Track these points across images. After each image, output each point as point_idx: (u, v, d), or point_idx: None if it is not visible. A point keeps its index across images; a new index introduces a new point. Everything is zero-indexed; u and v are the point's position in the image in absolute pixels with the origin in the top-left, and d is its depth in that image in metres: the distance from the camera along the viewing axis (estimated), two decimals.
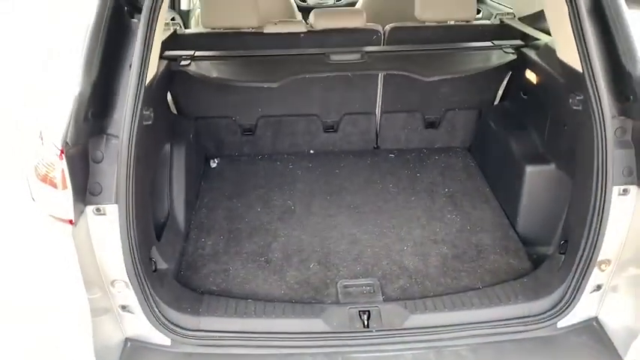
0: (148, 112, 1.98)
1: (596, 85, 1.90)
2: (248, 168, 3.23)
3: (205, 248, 2.57)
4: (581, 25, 1.91)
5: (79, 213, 1.81)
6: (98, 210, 1.84)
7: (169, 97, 3.03)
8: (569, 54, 2.06)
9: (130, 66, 1.84)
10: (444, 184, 3.02)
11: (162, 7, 1.93)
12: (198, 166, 3.12)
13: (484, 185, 3.01)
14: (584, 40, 1.90)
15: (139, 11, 1.89)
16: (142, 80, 1.86)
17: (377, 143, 3.36)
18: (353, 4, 4.22)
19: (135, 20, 1.91)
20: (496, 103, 3.25)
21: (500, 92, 3.21)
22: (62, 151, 1.69)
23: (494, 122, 3.01)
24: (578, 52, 1.93)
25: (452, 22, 3.09)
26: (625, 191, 1.93)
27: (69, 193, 1.74)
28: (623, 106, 1.91)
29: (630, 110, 1.89)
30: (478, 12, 3.97)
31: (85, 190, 1.83)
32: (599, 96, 1.89)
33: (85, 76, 1.77)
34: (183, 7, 4.03)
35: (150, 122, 2.00)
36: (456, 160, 3.27)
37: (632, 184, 1.93)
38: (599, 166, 1.94)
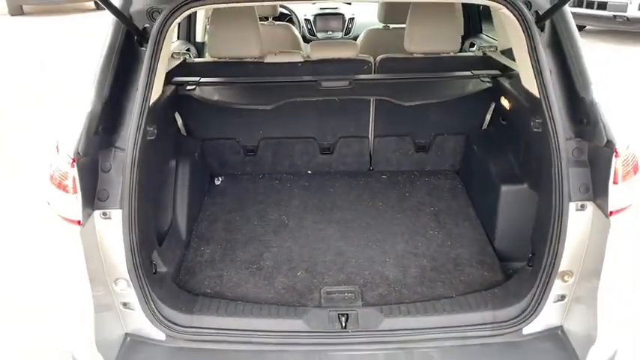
0: (151, 129, 2.23)
1: (551, 109, 2.09)
2: (249, 186, 3.46)
3: (204, 256, 2.78)
4: (537, 57, 2.13)
5: (87, 216, 2.03)
6: (104, 214, 2.07)
7: (179, 120, 3.31)
8: (530, 82, 2.28)
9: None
10: (430, 204, 3.21)
11: (167, 38, 2.20)
12: (203, 183, 3.36)
13: (468, 205, 3.19)
14: (540, 70, 2.12)
15: (147, 41, 2.16)
16: (146, 101, 2.12)
17: (371, 165, 3.58)
18: (355, 38, 4.51)
19: (143, 49, 2.19)
20: (484, 128, 3.45)
21: (487, 119, 3.41)
22: (74, 160, 1.95)
23: (478, 147, 3.20)
24: (536, 81, 2.15)
25: (438, 54, 3.31)
26: (582, 207, 2.08)
27: (78, 197, 1.98)
28: (578, 128, 2.10)
29: (585, 132, 2.09)
30: (472, 45, 4.22)
31: (93, 196, 2.06)
32: (553, 119, 2.09)
33: (96, 95, 2.06)
34: (198, 39, 4.35)
35: (153, 137, 2.25)
36: (445, 182, 3.46)
37: (588, 200, 2.08)
38: (557, 184, 2.10)
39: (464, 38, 4.20)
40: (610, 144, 1.98)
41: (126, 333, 2.25)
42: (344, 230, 2.97)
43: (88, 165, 2.02)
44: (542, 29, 2.20)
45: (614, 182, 2.00)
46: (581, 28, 11.19)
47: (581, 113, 2.08)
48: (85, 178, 2.00)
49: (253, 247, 2.85)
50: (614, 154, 1.97)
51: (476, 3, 2.29)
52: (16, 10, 14.25)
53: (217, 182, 3.51)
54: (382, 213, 3.13)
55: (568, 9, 2.20)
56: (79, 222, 2.02)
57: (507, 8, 2.15)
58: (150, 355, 2.20)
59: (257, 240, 2.90)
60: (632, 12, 9.80)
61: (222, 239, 2.92)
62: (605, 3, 10.10)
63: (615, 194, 2.01)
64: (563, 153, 2.07)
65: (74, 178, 1.97)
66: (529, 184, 2.62)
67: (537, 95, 2.17)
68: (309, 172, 3.58)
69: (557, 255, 2.13)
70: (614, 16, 10.11)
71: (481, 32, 4.09)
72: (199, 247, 2.85)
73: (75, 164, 1.95)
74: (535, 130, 2.24)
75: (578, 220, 2.10)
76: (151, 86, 2.14)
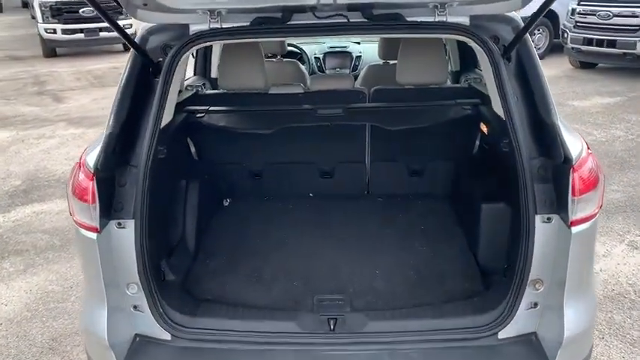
0: (162, 148, 2.53)
1: (515, 131, 2.33)
2: (254, 207, 3.72)
3: (209, 267, 3.03)
4: (502, 85, 2.39)
5: (104, 224, 2.32)
6: (119, 224, 2.35)
7: (192, 146, 3.62)
8: (498, 107, 2.53)
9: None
10: (420, 223, 3.42)
11: (177, 70, 2.52)
12: (212, 203, 3.63)
13: (455, 224, 3.38)
14: (505, 95, 2.38)
15: (160, 72, 2.49)
16: (157, 124, 2.43)
17: (368, 189, 3.82)
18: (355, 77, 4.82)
19: (156, 80, 2.51)
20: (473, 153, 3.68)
21: (476, 145, 3.64)
22: (93, 174, 2.26)
23: (466, 171, 3.43)
24: (502, 106, 2.40)
25: (428, 86, 3.56)
26: (549, 219, 2.28)
27: (96, 207, 2.28)
28: (542, 148, 2.34)
29: (547, 151, 2.32)
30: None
31: (110, 208, 2.35)
32: (518, 140, 2.32)
33: (115, 119, 2.39)
34: (213, 75, 4.72)
35: (163, 156, 2.55)
36: (436, 204, 3.65)
37: (553, 213, 2.28)
38: (524, 199, 2.31)
39: (459, 73, 4.49)
40: (568, 160, 2.21)
41: (136, 333, 2.48)
42: (338, 248, 3.18)
43: (106, 180, 2.32)
44: (509, 60, 2.47)
45: (573, 195, 2.21)
46: (593, 65, 11.43)
47: (544, 134, 2.32)
48: (103, 190, 2.29)
49: (254, 261, 3.08)
50: (572, 169, 2.20)
51: (449, 38, 2.57)
52: (49, 52, 14.98)
53: (225, 203, 3.79)
54: (376, 232, 3.36)
55: (530, 41, 2.48)
56: (96, 229, 2.31)
57: (475, 42, 2.43)
58: (156, 353, 2.43)
59: (258, 255, 3.14)
60: None
61: (227, 253, 3.17)
62: (615, 41, 10.32)
63: (575, 206, 2.22)
64: (527, 171, 2.29)
65: (93, 190, 2.27)
66: (505, 202, 2.82)
67: (504, 118, 2.42)
68: (311, 194, 3.83)
69: (527, 264, 2.31)
70: (624, 54, 10.33)
71: (476, 67, 4.38)
72: (205, 259, 3.11)
73: (94, 178, 2.25)
74: (504, 150, 2.48)
75: (545, 232, 2.30)
76: (162, 112, 2.45)
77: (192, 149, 3.62)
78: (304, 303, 2.69)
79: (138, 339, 2.48)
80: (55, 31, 14.31)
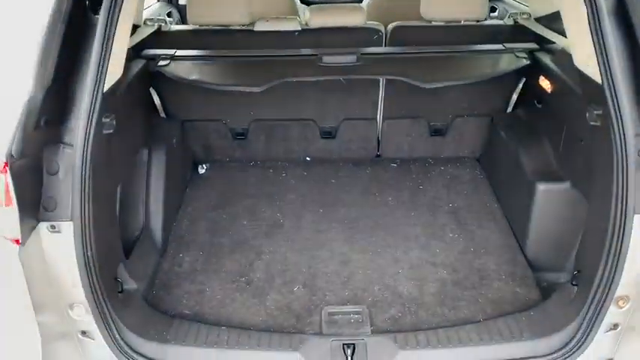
0: (108, 120, 1.79)
1: (617, 99, 1.66)
2: (238, 175, 3.03)
3: (182, 265, 2.38)
4: (601, 29, 1.66)
5: (29, 230, 1.66)
6: (53, 227, 1.70)
7: (156, 98, 2.86)
8: (587, 62, 1.81)
9: None
10: (448, 199, 2.79)
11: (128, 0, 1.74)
12: (183, 173, 2.93)
13: (492, 201, 2.77)
14: (604, 46, 1.66)
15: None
16: (99, 85, 1.69)
17: (378, 151, 3.14)
18: (360, 1, 3.98)
19: (97, 16, 1.72)
20: (509, 110, 3.00)
21: (514, 99, 2.96)
22: (6, 164, 1.54)
23: (506, 132, 2.76)
24: (598, 61, 1.69)
25: (461, 22, 2.85)
26: None
27: (14, 210, 1.58)
28: None
29: None
30: (493, 10, 3.72)
31: (37, 205, 1.69)
32: (620, 112, 1.66)
33: (38, 78, 1.60)
34: (182, 0, 3.84)
35: (111, 131, 1.81)
36: (463, 171, 3.03)
37: None
38: (618, 191, 1.71)
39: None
40: None
41: None
42: (348, 232, 2.56)
43: (27, 168, 1.61)
44: None
45: None
46: None
47: None
48: (24, 184, 1.60)
49: (242, 253, 2.44)
50: None
51: None
52: None
53: (201, 171, 3.09)
54: (393, 210, 2.72)
55: None
56: (17, 241, 1.62)
57: None
58: None
59: (246, 244, 2.50)
60: None
61: (206, 244, 2.51)
62: None
63: None
64: (631, 154, 1.65)
65: (7, 187, 1.56)
66: (572, 183, 2.20)
67: (598, 80, 1.72)
68: (308, 159, 3.14)
69: (615, 277, 1.76)
70: None
71: None
72: (178, 253, 2.44)
73: (7, 169, 1.52)
74: (592, 123, 1.80)
75: None
76: (105, 66, 1.69)
77: (157, 102, 2.85)
78: (309, 320, 2.09)
79: None
80: None
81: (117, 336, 1.83)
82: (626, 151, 1.67)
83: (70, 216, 1.68)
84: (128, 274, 2.07)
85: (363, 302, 2.16)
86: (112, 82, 1.83)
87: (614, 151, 1.70)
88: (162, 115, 2.92)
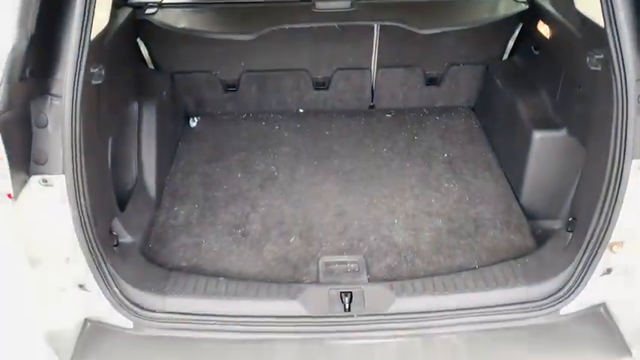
0: (97, 70, 1.73)
1: (619, 42, 1.62)
2: (230, 128, 2.98)
3: (177, 218, 2.36)
4: None
5: (20, 184, 1.62)
6: (45, 181, 1.66)
7: (144, 50, 2.77)
8: (588, 3, 1.76)
9: None
10: (443, 149, 2.77)
11: None
12: (175, 126, 2.88)
13: (487, 150, 2.75)
14: None
15: None
16: (85, 33, 1.61)
17: (372, 101, 3.08)
18: None
19: None
20: (505, 58, 2.94)
21: (509, 46, 2.90)
22: None
23: (502, 80, 2.72)
24: (601, 3, 1.64)
25: None
26: None
27: (4, 163, 1.53)
28: None
29: None
30: None
31: (28, 159, 1.64)
32: (622, 56, 1.62)
33: (20, 26, 1.52)
34: None
35: (100, 81, 1.75)
36: (459, 120, 2.99)
37: None
38: (617, 136, 1.69)
39: None
40: None
41: (85, 319, 1.89)
42: (344, 184, 2.54)
43: (15, 121, 1.56)
44: None
45: None
46: None
47: None
48: (12, 137, 1.54)
49: (237, 206, 2.42)
50: None
51: None
52: None
53: (193, 124, 3.02)
54: (388, 161, 2.69)
55: None
56: (9, 195, 1.59)
57: None
58: (114, 346, 1.86)
59: (241, 197, 2.48)
60: None
61: (200, 197, 2.49)
62: None
63: None
64: (632, 99, 1.62)
65: None
66: (569, 131, 2.18)
67: (599, 23, 1.68)
68: (301, 110, 3.09)
69: (610, 223, 1.76)
70: None
71: None
72: (172, 207, 2.42)
73: None
74: (593, 67, 1.76)
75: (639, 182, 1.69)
76: (91, 12, 1.61)
77: (145, 54, 2.76)
78: (306, 270, 2.10)
79: (89, 326, 1.88)
80: None
81: (114, 288, 1.82)
82: (626, 95, 1.64)
83: (61, 169, 1.64)
84: (123, 228, 2.05)
85: (359, 252, 2.17)
86: (99, 31, 1.76)
87: (615, 96, 1.67)
88: (151, 66, 2.84)
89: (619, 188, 1.71)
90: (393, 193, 2.48)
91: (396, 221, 2.32)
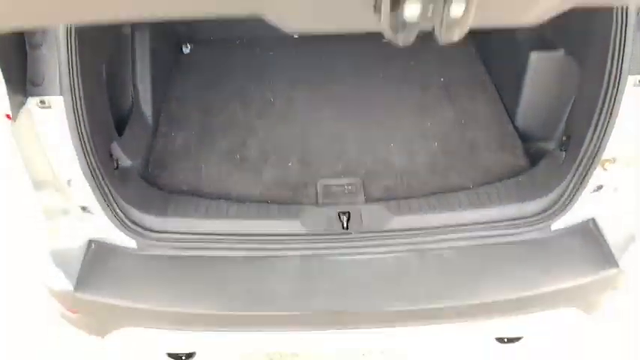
0: None
1: None
2: (224, 54, 2.92)
3: (175, 143, 2.37)
4: None
5: (18, 106, 1.61)
6: (43, 102, 1.64)
7: None
8: None
9: None
10: (439, 72, 2.75)
11: None
12: (168, 52, 2.82)
13: (483, 72, 2.73)
14: None
15: None
16: None
17: None
18: None
19: None
20: None
21: None
22: None
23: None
24: None
25: None
26: None
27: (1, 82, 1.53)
28: None
29: None
30: None
31: (24, 80, 1.62)
32: None
33: None
34: None
35: None
36: (455, 45, 2.95)
37: None
38: (614, 51, 1.68)
39: None
40: None
41: (90, 240, 1.92)
42: (340, 109, 2.54)
43: (8, 40, 1.54)
44: None
45: None
46: None
47: None
48: (7, 57, 1.53)
49: (234, 132, 2.43)
50: None
51: None
52: None
53: (186, 50, 2.96)
54: (383, 86, 2.68)
55: None
56: (7, 116, 1.60)
57: None
58: (119, 265, 1.90)
59: (238, 123, 2.48)
60: None
61: (197, 123, 2.48)
62: None
63: None
64: (631, 13, 1.61)
65: None
66: (566, 50, 2.16)
67: None
68: (295, 36, 3.02)
69: (604, 140, 1.78)
70: None
71: None
72: (170, 132, 2.42)
73: None
74: None
75: (635, 99, 1.71)
76: None
77: None
78: (305, 192, 2.13)
79: (93, 246, 1.92)
80: None
81: (117, 210, 1.84)
82: (626, 10, 1.63)
83: (59, 91, 1.63)
84: (122, 152, 2.05)
85: (356, 174, 2.19)
86: None
87: (614, 11, 1.65)
88: None
89: (614, 104, 1.72)
90: (389, 117, 2.48)
91: (392, 144, 2.33)
